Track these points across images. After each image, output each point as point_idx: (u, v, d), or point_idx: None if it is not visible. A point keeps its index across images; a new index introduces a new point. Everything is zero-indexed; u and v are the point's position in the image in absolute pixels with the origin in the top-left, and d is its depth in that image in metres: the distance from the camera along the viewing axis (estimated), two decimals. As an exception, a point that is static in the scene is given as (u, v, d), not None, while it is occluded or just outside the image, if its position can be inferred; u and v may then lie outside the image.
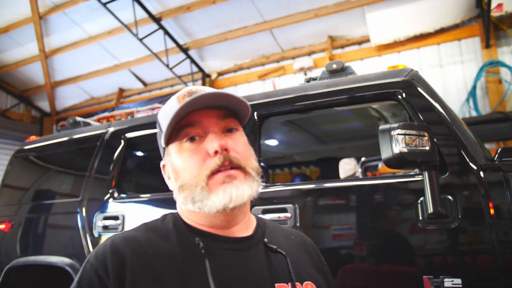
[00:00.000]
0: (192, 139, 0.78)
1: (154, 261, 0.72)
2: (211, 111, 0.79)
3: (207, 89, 0.83)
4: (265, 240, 0.83)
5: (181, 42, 6.75)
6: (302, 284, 0.80)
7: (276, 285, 0.76)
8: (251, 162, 0.80)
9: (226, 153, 0.75)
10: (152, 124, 2.44)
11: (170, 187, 0.85)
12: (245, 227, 0.84)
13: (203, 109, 0.79)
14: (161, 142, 0.83)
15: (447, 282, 1.47)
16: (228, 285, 0.71)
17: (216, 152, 0.75)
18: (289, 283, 0.77)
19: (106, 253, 0.71)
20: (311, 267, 0.88)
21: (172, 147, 0.81)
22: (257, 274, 0.76)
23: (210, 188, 0.74)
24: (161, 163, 0.88)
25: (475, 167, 1.55)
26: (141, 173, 2.96)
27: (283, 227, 0.99)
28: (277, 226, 0.96)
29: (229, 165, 0.75)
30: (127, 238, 0.75)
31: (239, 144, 0.80)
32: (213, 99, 0.78)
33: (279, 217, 1.83)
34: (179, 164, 0.79)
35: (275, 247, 0.82)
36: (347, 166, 3.71)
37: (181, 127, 0.78)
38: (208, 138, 0.77)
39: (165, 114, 0.82)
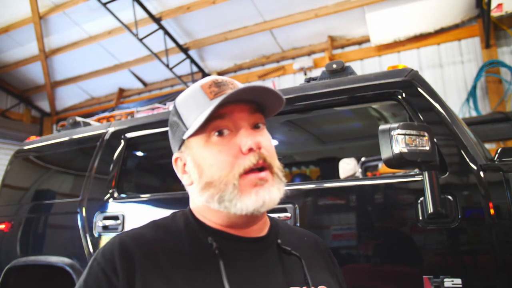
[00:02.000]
0: (220, 133, 0.73)
1: (164, 261, 0.69)
2: (242, 105, 0.74)
3: (233, 81, 0.79)
4: (279, 241, 0.80)
5: (181, 42, 6.75)
6: None
7: None
8: (277, 161, 0.77)
9: (259, 151, 0.72)
10: (152, 124, 2.44)
11: (184, 182, 0.80)
12: (261, 228, 0.80)
13: (234, 102, 0.74)
14: (182, 133, 0.77)
15: (447, 282, 1.47)
16: (242, 287, 0.69)
17: (250, 150, 0.71)
18: (305, 287, 0.74)
19: (114, 251, 0.68)
20: (324, 270, 0.85)
21: (195, 140, 0.75)
22: (271, 277, 0.73)
23: (241, 189, 0.70)
24: (174, 156, 0.81)
25: (475, 167, 1.55)
26: (141, 173, 2.96)
27: (295, 227, 0.96)
28: (289, 226, 0.93)
29: (262, 164, 0.72)
30: (135, 236, 0.71)
31: (267, 142, 0.76)
32: (252, 92, 0.73)
33: (279, 217, 1.83)
34: (205, 159, 0.73)
35: (289, 248, 0.79)
36: (347, 166, 3.71)
37: (209, 119, 0.72)
38: (241, 134, 0.72)
39: (189, 105, 0.77)
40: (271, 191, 0.71)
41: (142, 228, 0.75)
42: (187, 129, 0.75)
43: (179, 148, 0.79)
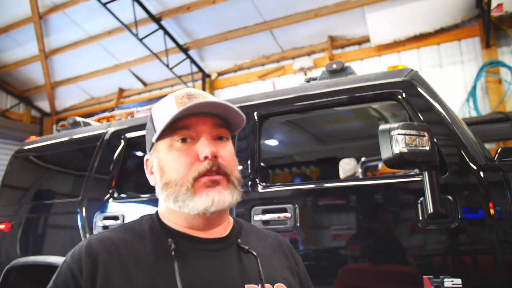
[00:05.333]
0: (183, 140, 0.80)
1: (127, 261, 0.74)
2: (207, 119, 0.82)
3: (206, 95, 0.85)
4: (239, 241, 0.85)
5: (181, 42, 6.75)
6: (273, 285, 0.81)
7: (246, 286, 0.78)
8: (235, 171, 0.84)
9: (215, 159, 0.79)
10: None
11: (151, 182, 0.87)
12: (223, 230, 0.86)
13: (200, 115, 0.81)
14: (151, 137, 0.84)
15: (447, 282, 1.47)
16: (197, 286, 0.73)
17: (206, 158, 0.78)
18: (259, 285, 0.79)
19: (82, 253, 0.74)
20: (285, 269, 0.89)
21: (162, 144, 0.82)
22: (227, 275, 0.78)
23: (194, 190, 0.77)
24: (145, 158, 0.89)
25: (475, 167, 1.55)
26: (141, 173, 2.96)
27: (261, 229, 1.00)
28: (254, 228, 0.98)
29: (216, 171, 0.78)
30: (103, 238, 0.78)
31: (227, 152, 0.83)
32: (213, 107, 0.81)
33: (279, 217, 1.83)
34: (167, 162, 0.81)
35: (246, 247, 0.83)
36: (347, 166, 3.71)
37: (176, 128, 0.80)
38: (201, 143, 0.80)
39: (160, 112, 0.84)
40: (222, 193, 0.78)
41: (111, 231, 0.82)
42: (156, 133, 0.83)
43: (150, 150, 0.87)
